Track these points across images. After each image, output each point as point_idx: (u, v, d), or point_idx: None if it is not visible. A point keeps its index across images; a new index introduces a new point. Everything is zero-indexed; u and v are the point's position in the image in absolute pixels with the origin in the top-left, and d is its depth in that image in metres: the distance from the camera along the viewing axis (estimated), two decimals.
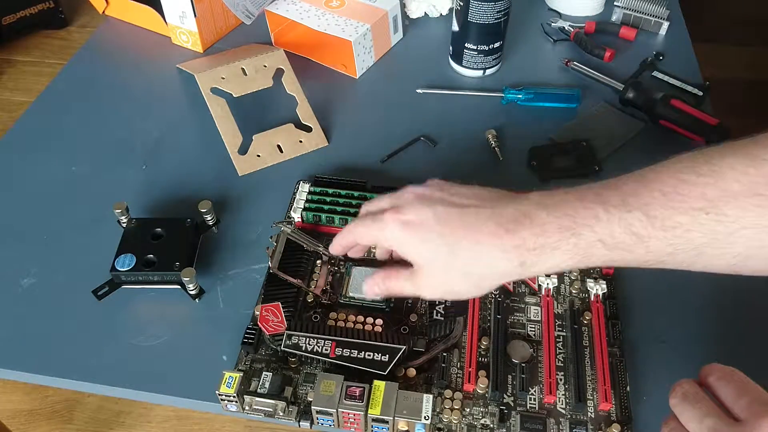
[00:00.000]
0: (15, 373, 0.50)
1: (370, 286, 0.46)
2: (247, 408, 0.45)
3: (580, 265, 0.40)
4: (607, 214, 0.38)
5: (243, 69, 0.67)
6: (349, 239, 0.47)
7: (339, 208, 0.57)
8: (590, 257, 0.39)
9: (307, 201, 0.58)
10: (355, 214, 0.56)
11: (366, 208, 0.47)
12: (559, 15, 0.85)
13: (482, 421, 0.45)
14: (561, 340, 0.50)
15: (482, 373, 0.47)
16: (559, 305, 0.52)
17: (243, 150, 0.65)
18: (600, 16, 0.86)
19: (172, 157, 0.66)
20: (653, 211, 0.37)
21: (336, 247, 0.49)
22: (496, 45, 0.73)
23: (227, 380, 0.44)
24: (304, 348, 0.47)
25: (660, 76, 0.73)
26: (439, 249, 0.41)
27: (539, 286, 0.53)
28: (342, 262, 0.55)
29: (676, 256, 0.38)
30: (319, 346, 0.47)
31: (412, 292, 0.44)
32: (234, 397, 0.44)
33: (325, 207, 0.57)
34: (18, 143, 0.69)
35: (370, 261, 0.54)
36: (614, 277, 0.54)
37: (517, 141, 0.67)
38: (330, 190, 0.59)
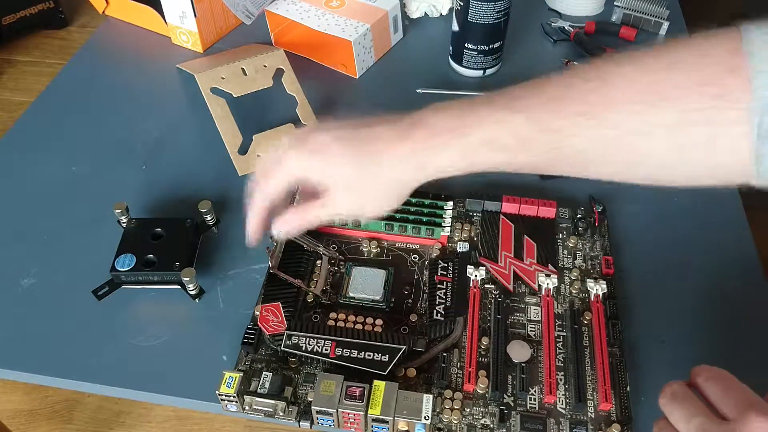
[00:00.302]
0: (15, 373, 0.50)
1: (282, 223, 0.46)
2: (247, 408, 0.45)
3: (470, 168, 0.41)
4: (492, 116, 0.40)
5: (243, 69, 0.67)
6: (261, 199, 0.46)
7: None
8: (477, 159, 0.41)
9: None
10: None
11: (264, 162, 0.47)
12: (559, 15, 0.85)
13: (482, 421, 0.45)
14: (561, 340, 0.50)
15: (482, 373, 0.47)
16: (559, 305, 0.52)
17: (243, 150, 0.65)
18: (600, 16, 0.86)
19: (172, 157, 0.66)
20: (535, 114, 0.39)
21: (253, 223, 0.47)
22: (496, 45, 0.73)
23: (227, 380, 0.44)
24: (304, 348, 0.47)
25: None
26: (344, 166, 0.43)
27: (539, 286, 0.53)
28: (342, 262, 0.55)
29: (562, 162, 0.40)
30: (319, 346, 0.47)
31: (328, 215, 0.45)
32: (234, 397, 0.44)
33: None
34: (18, 143, 0.68)
35: (371, 261, 0.54)
36: (614, 277, 0.54)
37: None
38: None
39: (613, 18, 0.84)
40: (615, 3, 0.84)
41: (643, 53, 0.37)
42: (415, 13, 0.84)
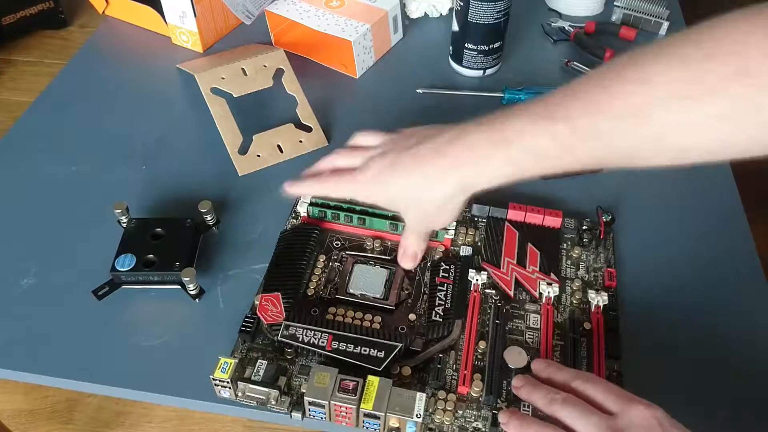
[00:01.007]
0: (15, 373, 0.50)
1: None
2: (240, 395, 0.45)
3: (517, 175, 0.42)
4: (533, 126, 0.40)
5: (243, 69, 0.67)
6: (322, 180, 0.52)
7: (345, 205, 0.57)
8: (524, 168, 0.42)
9: (313, 196, 0.58)
10: (360, 212, 0.56)
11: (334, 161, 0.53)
12: (559, 15, 0.85)
13: (474, 425, 0.45)
14: (558, 349, 0.50)
15: (477, 376, 0.47)
16: (559, 314, 0.52)
17: (243, 150, 0.65)
18: (600, 16, 0.86)
19: (172, 157, 0.66)
20: (577, 121, 0.39)
21: (306, 184, 0.53)
22: (496, 45, 0.73)
23: (222, 365, 0.44)
24: (300, 339, 0.47)
25: None
26: (399, 193, 0.47)
27: (540, 294, 0.53)
28: (345, 258, 0.55)
29: (610, 160, 0.40)
30: (315, 339, 0.47)
31: (413, 235, 0.52)
32: (228, 382, 0.44)
33: (332, 203, 0.57)
34: (18, 143, 0.69)
35: (373, 258, 0.54)
36: (616, 289, 0.53)
37: None
38: None
39: (613, 18, 0.84)
40: (615, 3, 0.84)
41: (681, 41, 0.36)
42: (415, 13, 0.84)
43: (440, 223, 0.50)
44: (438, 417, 0.45)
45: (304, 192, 0.56)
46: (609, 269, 0.54)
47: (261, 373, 0.46)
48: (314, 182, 0.52)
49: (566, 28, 0.82)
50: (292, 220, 0.59)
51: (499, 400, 0.46)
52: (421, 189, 0.46)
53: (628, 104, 0.37)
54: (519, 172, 0.42)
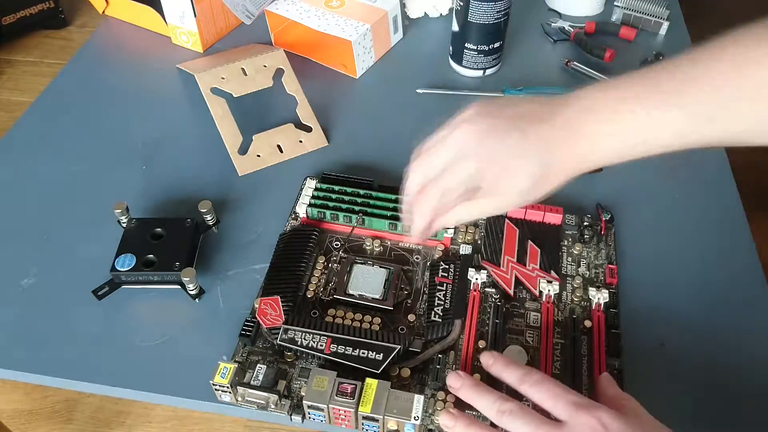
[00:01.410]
0: (15, 373, 0.50)
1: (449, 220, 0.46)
2: (240, 399, 0.45)
3: (632, 151, 0.41)
4: (649, 118, 0.39)
5: (243, 69, 0.67)
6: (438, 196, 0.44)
7: (344, 206, 0.57)
8: (642, 138, 0.40)
9: (312, 197, 0.58)
10: (359, 212, 0.56)
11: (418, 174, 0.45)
12: (559, 15, 0.85)
13: None
14: (559, 347, 0.50)
15: (477, 376, 0.47)
16: (559, 312, 0.52)
17: (243, 150, 0.65)
18: (600, 16, 0.86)
19: (172, 157, 0.66)
20: (700, 108, 0.38)
21: (421, 224, 0.45)
22: (496, 45, 0.73)
23: (222, 371, 0.45)
24: (299, 343, 0.47)
25: None
26: (522, 158, 0.42)
27: (540, 292, 0.52)
28: (344, 259, 0.55)
29: (727, 143, 0.39)
30: (314, 342, 0.47)
31: (498, 207, 0.45)
32: (228, 387, 0.44)
33: (330, 204, 0.57)
34: (18, 143, 0.69)
35: (373, 259, 0.54)
36: (618, 286, 0.53)
37: None
38: (336, 188, 0.59)
39: (613, 18, 0.84)
40: (615, 3, 0.84)
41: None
42: (415, 13, 0.84)
43: (539, 193, 0.44)
44: (438, 418, 0.45)
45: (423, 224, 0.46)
46: (610, 266, 0.54)
47: (260, 377, 0.46)
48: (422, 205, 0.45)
49: (566, 28, 0.82)
50: (291, 221, 0.59)
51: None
52: (532, 152, 0.41)
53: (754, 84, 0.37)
54: (632, 147, 0.41)
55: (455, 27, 0.73)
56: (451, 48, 0.76)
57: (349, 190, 0.58)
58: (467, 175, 0.42)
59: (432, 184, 0.44)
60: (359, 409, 0.43)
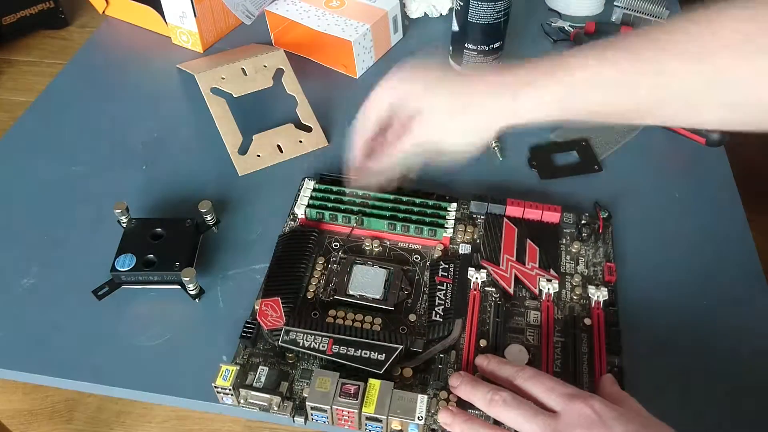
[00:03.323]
0: (15, 373, 0.50)
1: (361, 173, 0.51)
2: (242, 401, 0.45)
3: (562, 113, 0.42)
4: (596, 56, 0.40)
5: (243, 69, 0.67)
6: (360, 134, 0.51)
7: (342, 206, 0.57)
8: (573, 102, 0.41)
9: (311, 198, 0.58)
10: (358, 213, 0.56)
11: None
12: (559, 15, 0.85)
13: None
14: (559, 345, 0.50)
15: (477, 375, 0.47)
16: (559, 311, 0.52)
17: (243, 150, 0.65)
18: (600, 16, 0.86)
19: (172, 157, 0.66)
20: (642, 54, 0.38)
21: (356, 157, 0.52)
22: (496, 45, 0.73)
23: (224, 373, 0.44)
24: (301, 344, 0.47)
25: None
26: (436, 90, 0.46)
27: (540, 290, 0.53)
28: (343, 259, 0.55)
29: (666, 105, 0.39)
30: (316, 343, 0.47)
31: (410, 144, 0.47)
32: (230, 390, 0.44)
33: (329, 205, 0.57)
34: (18, 143, 0.69)
35: (373, 260, 0.54)
36: (616, 284, 0.53)
37: (517, 141, 0.67)
38: (334, 188, 0.59)
39: (613, 18, 0.84)
40: (615, 3, 0.84)
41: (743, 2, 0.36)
42: (415, 13, 0.84)
43: (456, 143, 0.46)
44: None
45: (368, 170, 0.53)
46: (608, 263, 0.54)
47: (263, 379, 0.46)
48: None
49: (566, 28, 0.82)
50: (290, 222, 0.59)
51: None
52: (461, 96, 0.44)
53: (695, 45, 0.36)
54: (564, 109, 0.41)
55: (455, 27, 0.73)
56: (451, 48, 0.76)
57: (347, 190, 0.58)
58: (384, 101, 0.48)
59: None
60: (363, 410, 0.43)
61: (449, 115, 0.45)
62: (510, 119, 0.44)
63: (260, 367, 0.47)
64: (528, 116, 0.43)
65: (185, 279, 0.51)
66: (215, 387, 0.44)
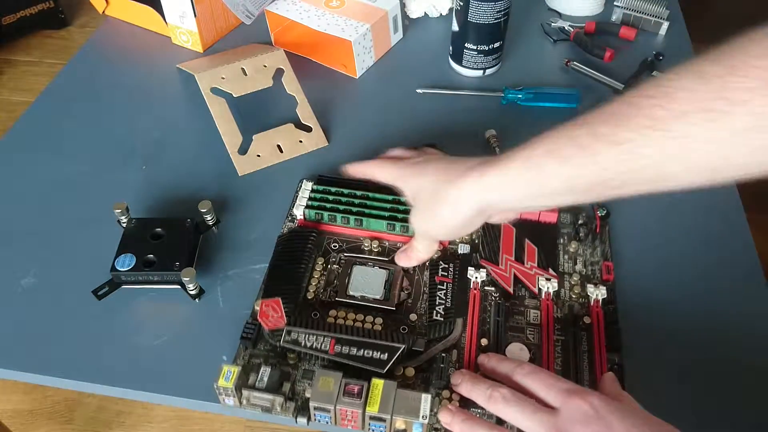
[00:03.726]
0: (15, 373, 0.50)
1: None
2: (244, 402, 0.45)
3: (540, 191, 0.43)
4: (555, 134, 0.42)
5: (243, 69, 0.67)
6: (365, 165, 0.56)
7: (341, 207, 0.57)
8: (544, 176, 0.42)
9: (309, 199, 0.58)
10: (357, 213, 0.56)
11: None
12: (559, 15, 0.85)
13: None
14: (560, 344, 0.50)
15: (479, 373, 0.47)
16: (558, 309, 0.52)
17: (243, 150, 0.65)
18: (600, 16, 0.86)
19: (172, 157, 0.66)
20: (600, 128, 0.39)
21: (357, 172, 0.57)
22: (496, 45, 0.73)
23: (225, 373, 0.44)
24: (303, 344, 0.47)
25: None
26: (424, 181, 0.49)
27: (539, 289, 0.53)
28: (343, 260, 0.55)
29: (636, 176, 0.39)
30: (318, 343, 0.47)
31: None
32: (232, 390, 0.44)
33: (328, 205, 0.57)
34: (18, 143, 0.69)
35: (371, 259, 0.54)
36: (614, 283, 0.53)
37: (517, 141, 0.66)
38: (333, 189, 0.59)
39: (613, 18, 0.84)
40: (615, 3, 0.84)
41: (702, 60, 0.36)
42: (415, 13, 0.84)
43: (441, 232, 0.51)
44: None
45: (361, 171, 0.57)
46: (606, 263, 0.54)
47: (265, 379, 0.46)
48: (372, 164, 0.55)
49: (566, 28, 0.82)
50: (288, 223, 0.58)
51: None
52: (442, 189, 0.47)
53: (650, 116, 0.37)
54: (540, 187, 0.42)
55: (455, 27, 0.73)
56: (451, 48, 0.76)
57: (345, 191, 0.58)
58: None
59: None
60: (367, 410, 0.43)
61: (430, 209, 0.49)
62: (484, 208, 0.46)
63: (262, 367, 0.46)
64: (502, 203, 0.45)
65: (185, 279, 0.51)
66: (217, 388, 0.44)
